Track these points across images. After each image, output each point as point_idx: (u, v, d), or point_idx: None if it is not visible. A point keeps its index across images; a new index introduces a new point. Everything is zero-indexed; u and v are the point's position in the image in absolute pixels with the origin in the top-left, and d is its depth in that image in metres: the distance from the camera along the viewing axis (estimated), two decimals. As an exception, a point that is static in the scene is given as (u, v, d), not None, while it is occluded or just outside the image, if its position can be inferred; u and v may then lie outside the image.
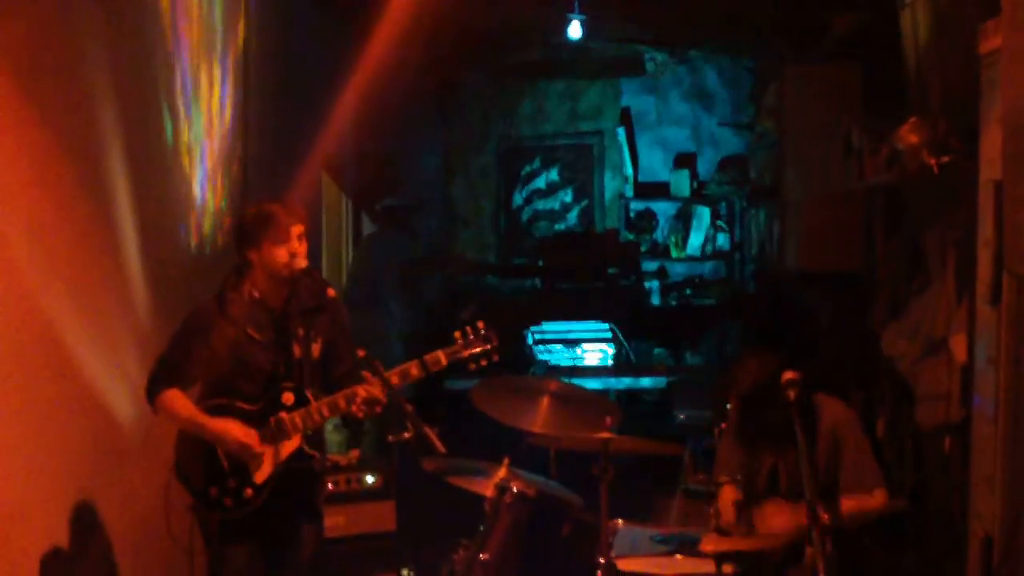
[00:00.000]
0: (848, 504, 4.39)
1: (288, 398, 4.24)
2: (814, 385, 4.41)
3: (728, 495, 4.44)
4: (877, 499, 4.43)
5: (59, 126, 4.20)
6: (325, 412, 4.25)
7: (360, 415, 4.24)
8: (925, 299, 5.75)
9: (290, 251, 4.25)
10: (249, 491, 4.20)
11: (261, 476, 4.21)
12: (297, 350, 4.30)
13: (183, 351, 4.27)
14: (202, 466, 4.21)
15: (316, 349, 4.35)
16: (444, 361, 4.32)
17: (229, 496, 4.20)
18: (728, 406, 4.64)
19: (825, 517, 3.75)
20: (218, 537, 4.26)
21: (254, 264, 4.30)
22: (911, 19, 6.15)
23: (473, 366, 4.36)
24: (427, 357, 4.30)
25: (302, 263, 4.29)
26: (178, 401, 4.23)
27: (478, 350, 4.34)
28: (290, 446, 4.24)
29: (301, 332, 4.31)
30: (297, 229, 4.29)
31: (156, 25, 5.08)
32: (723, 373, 4.69)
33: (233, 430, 4.16)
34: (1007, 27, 3.94)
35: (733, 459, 4.62)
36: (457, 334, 4.35)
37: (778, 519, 4.36)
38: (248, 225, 4.33)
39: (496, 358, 4.37)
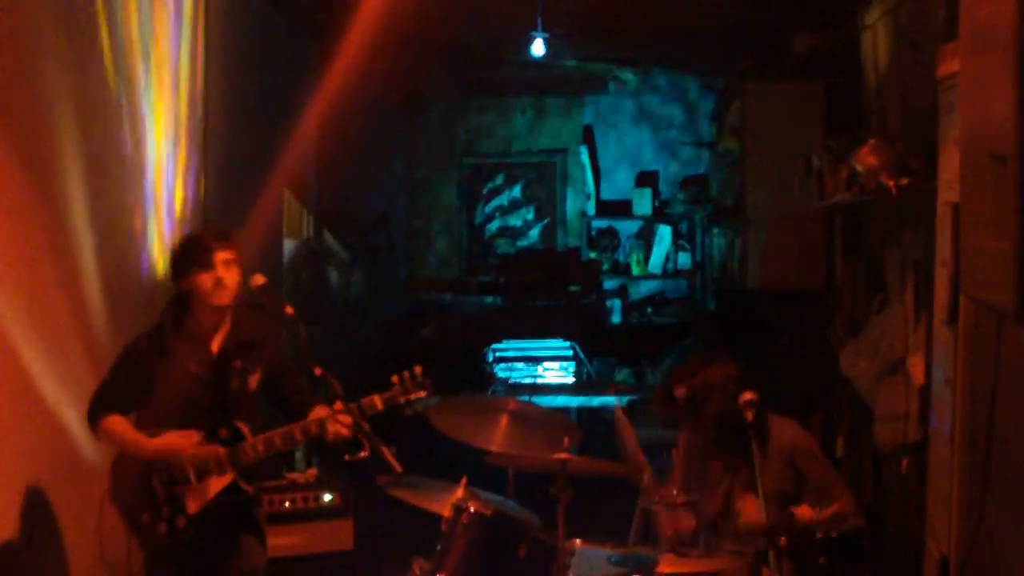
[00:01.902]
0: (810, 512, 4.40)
1: (223, 432, 4.22)
2: (770, 406, 4.41)
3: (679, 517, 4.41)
4: (845, 503, 4.44)
5: (16, 136, 4.14)
6: (260, 448, 4.21)
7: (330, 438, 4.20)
8: (884, 319, 5.77)
9: (214, 278, 4.17)
10: (182, 520, 4.17)
11: (194, 507, 4.18)
12: (235, 383, 4.26)
13: (121, 381, 4.24)
14: (136, 493, 4.18)
15: (254, 381, 4.32)
16: (380, 406, 4.25)
17: (163, 523, 4.17)
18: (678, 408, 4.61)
19: (784, 541, 3.76)
20: (154, 563, 4.26)
21: (190, 295, 4.24)
22: (871, 40, 6.20)
23: (409, 411, 4.33)
24: (364, 401, 4.24)
25: (226, 294, 4.20)
26: (119, 426, 4.20)
27: (414, 397, 4.30)
28: (224, 480, 4.20)
29: (238, 365, 4.27)
30: (221, 255, 4.19)
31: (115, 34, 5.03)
32: (680, 366, 4.68)
33: (173, 443, 4.14)
34: (965, 51, 3.96)
35: (688, 477, 4.62)
36: (395, 379, 4.28)
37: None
38: (176, 256, 4.28)
39: None
